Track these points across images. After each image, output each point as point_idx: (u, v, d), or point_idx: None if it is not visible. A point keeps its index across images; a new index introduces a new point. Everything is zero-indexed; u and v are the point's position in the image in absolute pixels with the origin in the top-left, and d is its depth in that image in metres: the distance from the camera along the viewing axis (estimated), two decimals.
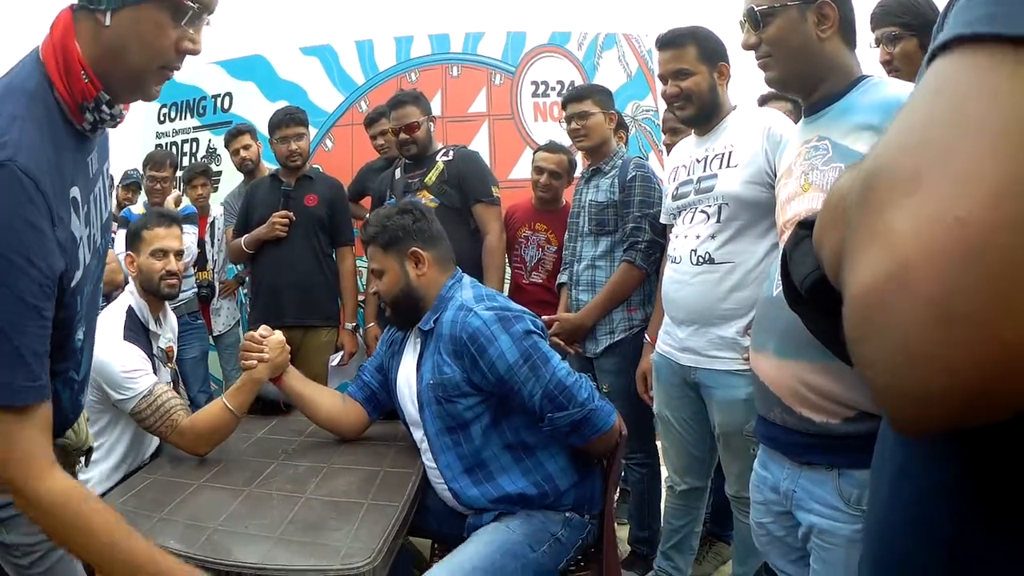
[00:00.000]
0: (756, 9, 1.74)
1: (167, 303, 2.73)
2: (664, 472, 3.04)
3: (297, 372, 2.45)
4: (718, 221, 2.40)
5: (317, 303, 3.85)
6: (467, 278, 2.31)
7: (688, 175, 2.57)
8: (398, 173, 3.72)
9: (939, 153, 0.42)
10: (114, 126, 1.41)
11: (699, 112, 2.50)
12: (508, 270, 3.79)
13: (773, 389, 1.62)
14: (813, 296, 0.80)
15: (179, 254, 2.64)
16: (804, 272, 0.81)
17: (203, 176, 4.77)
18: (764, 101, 3.30)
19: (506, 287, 3.78)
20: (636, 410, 2.95)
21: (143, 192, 4.89)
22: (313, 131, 4.59)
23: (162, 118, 5.66)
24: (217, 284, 4.67)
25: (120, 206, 5.18)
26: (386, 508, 1.94)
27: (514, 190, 4.54)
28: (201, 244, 4.54)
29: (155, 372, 2.39)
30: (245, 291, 4.74)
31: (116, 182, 5.35)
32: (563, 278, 3.41)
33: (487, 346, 2.02)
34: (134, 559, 1.28)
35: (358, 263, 4.03)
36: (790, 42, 1.72)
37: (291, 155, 3.84)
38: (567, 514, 2.16)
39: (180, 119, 5.65)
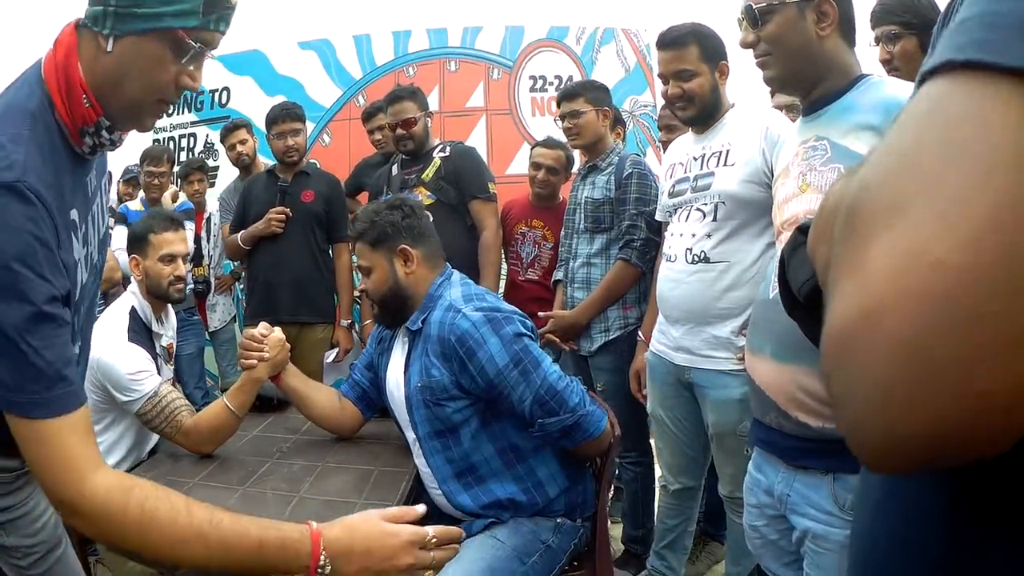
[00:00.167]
0: (755, 7, 1.71)
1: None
2: (658, 471, 3.04)
3: (295, 370, 2.43)
4: (714, 220, 2.39)
5: (313, 299, 3.85)
6: (457, 275, 2.28)
7: (685, 172, 2.56)
8: (395, 169, 3.71)
9: (923, 184, 0.41)
10: (112, 150, 1.41)
11: (700, 112, 2.49)
12: (504, 266, 3.78)
13: (770, 393, 1.61)
14: (811, 303, 0.79)
15: (186, 257, 2.64)
16: (802, 279, 0.80)
17: (200, 172, 4.77)
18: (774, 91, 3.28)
19: (502, 283, 3.78)
20: (630, 409, 2.94)
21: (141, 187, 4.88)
22: (311, 126, 4.58)
23: None
24: (213, 280, 4.67)
25: (120, 200, 5.18)
26: (380, 507, 1.93)
27: (511, 185, 4.54)
28: (197, 240, 4.54)
29: (158, 371, 2.40)
30: (241, 287, 4.74)
31: (116, 177, 5.35)
32: (559, 275, 3.41)
33: (476, 349, 1.99)
34: (224, 544, 1.19)
35: (354, 259, 4.02)
36: (789, 40, 1.70)
37: (288, 151, 3.83)
38: (558, 520, 2.14)
39: (177, 114, 5.64)
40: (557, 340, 3.24)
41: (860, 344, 0.41)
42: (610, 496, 3.03)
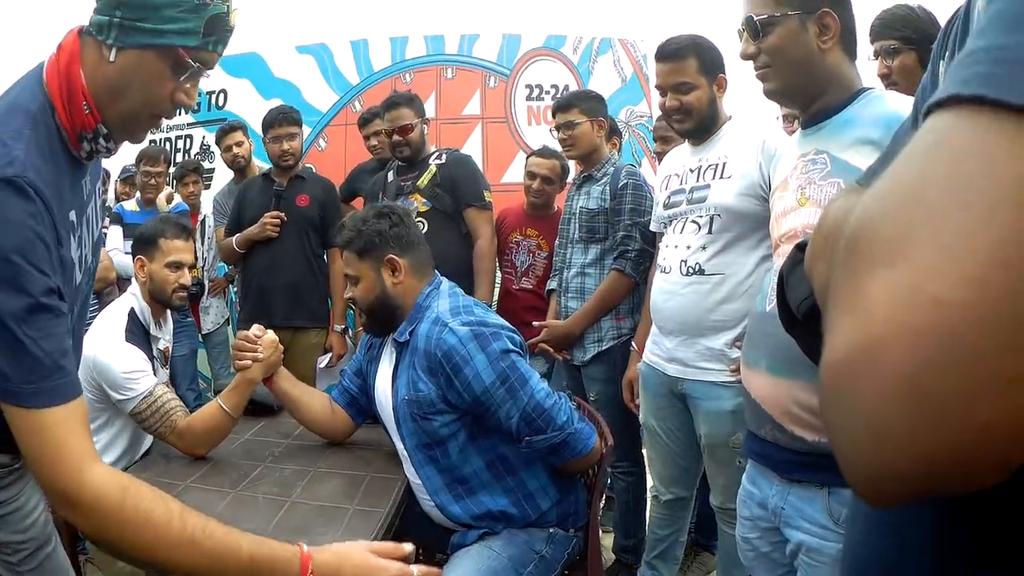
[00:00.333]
0: (756, 18, 1.69)
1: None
2: (649, 481, 3.05)
3: (288, 373, 2.42)
4: (709, 232, 2.39)
5: (306, 304, 3.85)
6: (445, 284, 2.26)
7: (681, 184, 2.56)
8: (391, 175, 3.71)
9: (925, 220, 0.40)
10: (107, 156, 1.44)
11: (698, 125, 2.49)
12: (498, 275, 3.79)
13: (765, 407, 1.61)
14: (809, 321, 0.79)
15: (192, 267, 2.63)
16: (800, 296, 0.80)
17: (195, 173, 4.77)
18: None
19: (496, 292, 3.79)
20: (623, 419, 2.95)
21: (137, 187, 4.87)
22: (307, 130, 4.58)
23: None
24: (207, 282, 4.66)
25: (117, 200, 5.17)
26: (372, 514, 1.93)
27: (506, 194, 4.55)
28: None
29: (154, 373, 2.39)
30: (235, 289, 4.73)
31: (114, 177, 5.34)
32: (552, 284, 3.41)
33: (462, 366, 1.96)
34: (215, 554, 1.21)
35: None
36: (790, 53, 1.68)
37: (283, 155, 3.84)
38: (551, 530, 2.13)
39: (183, 110, 5.62)
40: (550, 349, 3.24)
41: (858, 378, 0.41)
42: (601, 506, 3.03)
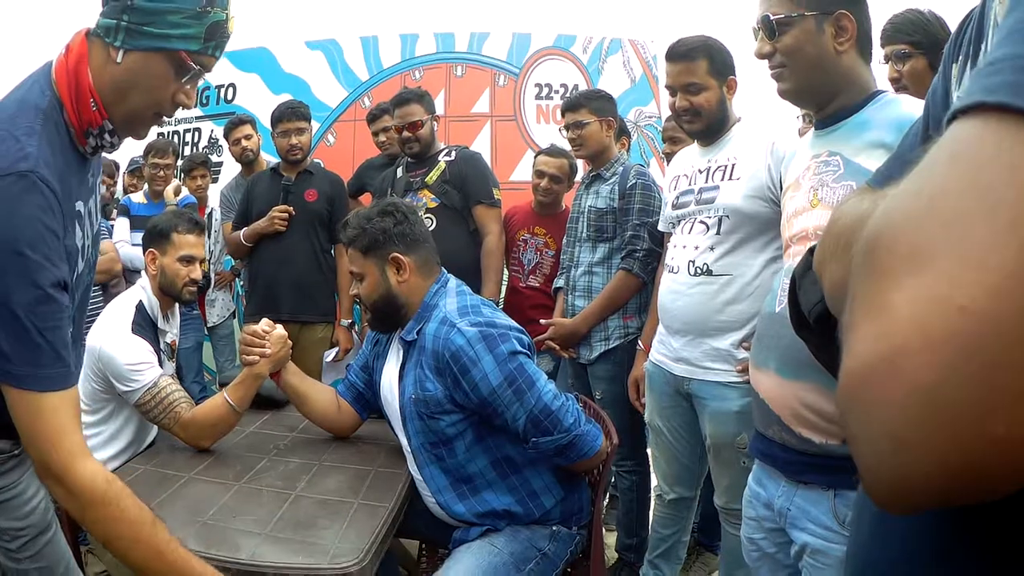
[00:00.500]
0: (772, 18, 1.68)
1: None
2: (653, 480, 3.04)
3: (295, 368, 2.43)
4: (717, 233, 2.39)
5: (314, 299, 3.85)
6: (453, 282, 2.25)
7: (690, 185, 2.55)
8: (400, 171, 3.72)
9: (948, 228, 0.40)
10: (111, 151, 1.56)
11: (707, 126, 2.48)
12: (505, 273, 3.79)
13: (773, 408, 1.60)
14: (819, 325, 0.79)
15: (202, 262, 2.64)
16: (813, 300, 0.79)
17: (203, 167, 4.77)
18: None
19: (503, 289, 3.78)
20: (628, 418, 2.96)
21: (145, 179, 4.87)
22: (315, 125, 4.59)
23: None
24: (213, 275, 4.66)
25: (125, 192, 5.18)
26: (376, 508, 1.93)
27: (515, 192, 4.55)
28: None
29: (160, 366, 2.39)
30: (241, 283, 4.73)
31: (123, 169, 5.35)
32: (560, 283, 3.41)
33: (470, 367, 1.95)
34: (172, 566, 1.36)
35: None
36: (806, 53, 1.67)
37: (292, 149, 3.84)
38: (554, 527, 2.13)
39: (183, 108, 5.62)
40: (556, 347, 3.24)
41: (879, 386, 0.41)
42: (605, 504, 3.03)
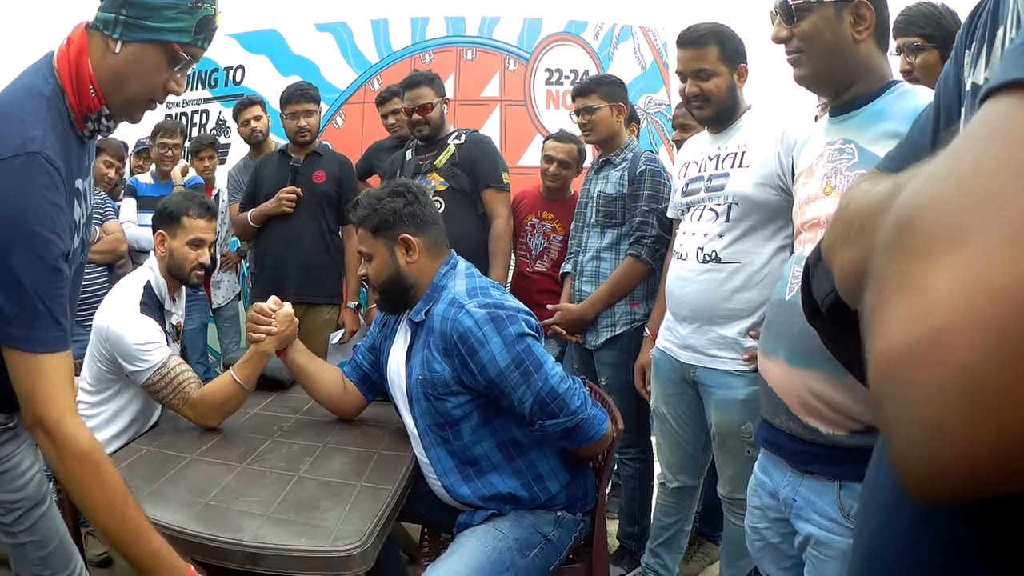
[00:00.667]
0: (791, 2, 1.66)
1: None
2: (657, 468, 3.04)
3: (303, 346, 2.43)
4: (727, 220, 2.37)
5: (320, 280, 3.85)
6: (462, 263, 2.24)
7: (699, 172, 2.54)
8: (409, 154, 3.70)
9: (985, 206, 0.39)
10: (107, 135, 1.73)
11: (717, 113, 2.46)
12: (513, 257, 3.78)
13: (781, 396, 1.59)
14: (833, 314, 0.77)
15: (211, 246, 2.64)
16: (826, 290, 0.78)
17: (211, 148, 4.75)
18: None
19: (510, 274, 3.78)
20: (633, 405, 2.95)
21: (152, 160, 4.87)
22: (324, 107, 4.58)
23: None
24: (219, 256, 4.66)
25: (132, 173, 5.17)
26: (379, 491, 1.93)
27: (523, 176, 4.53)
28: None
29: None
30: (247, 264, 4.73)
31: (130, 150, 5.34)
32: (567, 268, 3.40)
33: (478, 348, 1.95)
34: (134, 531, 1.47)
35: None
36: (824, 40, 1.65)
37: (300, 131, 3.82)
38: (559, 513, 2.13)
39: (191, 90, 5.63)
40: (563, 332, 3.23)
41: (920, 369, 0.39)
42: (608, 491, 3.02)
